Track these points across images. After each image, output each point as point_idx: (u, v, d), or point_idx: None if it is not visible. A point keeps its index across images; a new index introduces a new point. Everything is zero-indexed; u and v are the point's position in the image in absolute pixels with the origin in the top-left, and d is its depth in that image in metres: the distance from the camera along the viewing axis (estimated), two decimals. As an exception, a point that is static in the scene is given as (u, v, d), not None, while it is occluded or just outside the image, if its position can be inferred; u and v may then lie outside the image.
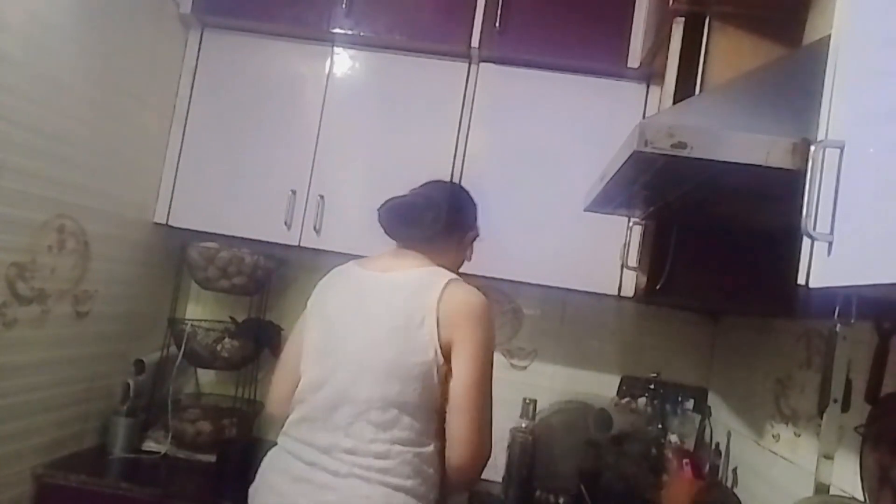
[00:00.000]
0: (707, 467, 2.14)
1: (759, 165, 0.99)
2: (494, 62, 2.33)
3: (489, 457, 1.39)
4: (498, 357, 2.53)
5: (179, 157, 2.39)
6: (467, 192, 1.71)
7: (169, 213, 2.38)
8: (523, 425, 2.26)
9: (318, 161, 2.34)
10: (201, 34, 2.42)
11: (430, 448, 1.38)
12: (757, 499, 1.80)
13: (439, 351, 1.37)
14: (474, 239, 1.70)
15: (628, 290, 2.17)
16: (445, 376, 1.38)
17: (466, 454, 1.37)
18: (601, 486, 2.23)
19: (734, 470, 1.99)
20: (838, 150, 0.78)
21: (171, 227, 2.39)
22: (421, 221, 1.54)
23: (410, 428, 1.36)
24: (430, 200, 1.57)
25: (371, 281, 1.49)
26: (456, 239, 1.63)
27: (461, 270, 1.62)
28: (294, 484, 1.35)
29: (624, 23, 2.25)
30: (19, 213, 1.77)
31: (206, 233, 2.37)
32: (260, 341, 2.43)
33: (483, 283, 2.49)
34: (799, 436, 1.61)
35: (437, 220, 1.55)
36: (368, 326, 1.41)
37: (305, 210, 2.32)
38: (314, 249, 2.31)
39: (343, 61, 2.38)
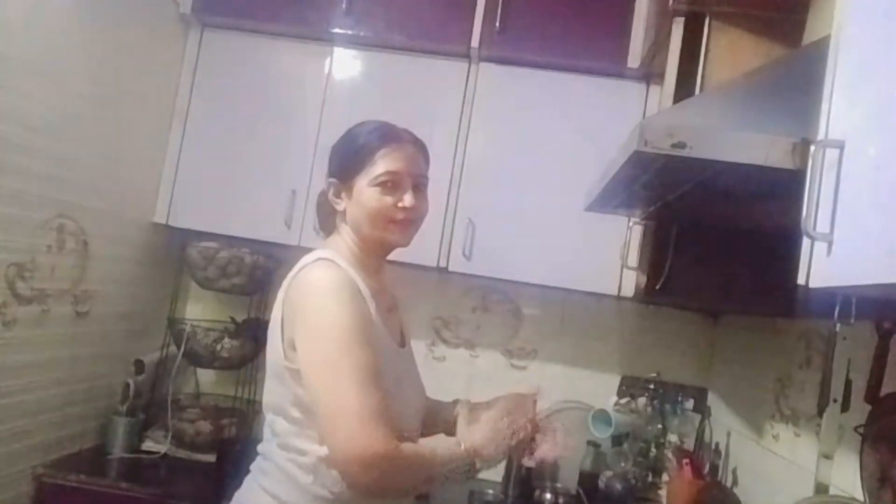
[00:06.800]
0: (707, 467, 2.14)
1: (759, 165, 0.99)
2: (494, 62, 2.33)
3: (369, 455, 1.11)
4: (498, 357, 2.54)
5: (179, 156, 2.39)
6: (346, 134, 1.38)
7: (169, 212, 2.38)
8: (523, 425, 2.25)
9: (318, 161, 2.33)
10: (201, 34, 2.42)
11: (311, 456, 1.20)
12: (757, 499, 1.80)
13: (283, 348, 1.22)
14: (340, 183, 1.33)
15: (628, 290, 2.16)
16: (300, 374, 1.21)
17: (331, 456, 1.16)
18: (601, 486, 2.23)
19: (734, 470, 1.99)
20: (838, 150, 0.78)
21: (171, 226, 2.39)
22: (317, 219, 1.47)
23: (285, 433, 1.24)
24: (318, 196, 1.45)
25: None
26: (327, 203, 1.37)
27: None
28: None
29: (624, 23, 2.25)
30: (19, 212, 1.76)
31: (206, 233, 2.37)
32: (260, 341, 2.42)
33: (483, 283, 2.53)
34: (799, 436, 1.61)
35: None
36: None
37: (305, 210, 2.32)
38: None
39: (343, 61, 2.38)
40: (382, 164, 1.28)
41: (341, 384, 1.14)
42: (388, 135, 1.33)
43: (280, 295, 1.29)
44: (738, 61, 1.60)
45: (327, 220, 1.42)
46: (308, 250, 1.34)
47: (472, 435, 1.26)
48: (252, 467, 1.33)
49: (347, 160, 1.32)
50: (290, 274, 1.28)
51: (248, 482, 1.32)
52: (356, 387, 1.14)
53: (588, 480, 2.23)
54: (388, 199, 1.28)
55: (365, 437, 1.12)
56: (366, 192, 1.29)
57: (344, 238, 1.34)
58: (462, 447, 1.23)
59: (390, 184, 1.28)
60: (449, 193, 2.31)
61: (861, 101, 0.77)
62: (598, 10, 2.27)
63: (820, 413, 1.38)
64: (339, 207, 1.34)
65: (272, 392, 1.27)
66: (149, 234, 2.37)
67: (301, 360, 1.19)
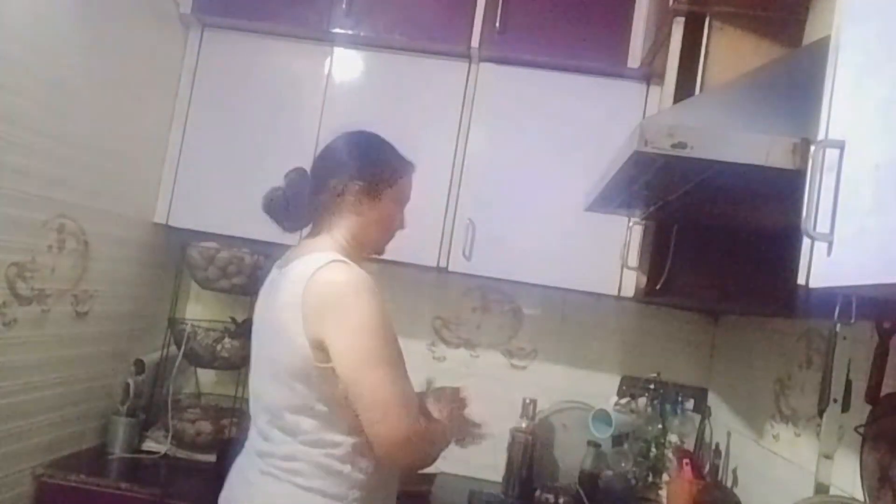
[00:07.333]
0: (707, 467, 2.14)
1: (760, 165, 0.99)
2: (494, 62, 2.33)
3: (412, 434, 1.26)
4: (498, 357, 2.54)
5: (179, 157, 2.39)
6: (354, 138, 1.49)
7: (169, 213, 2.38)
8: (523, 425, 2.26)
9: (318, 161, 2.34)
10: (201, 34, 2.42)
11: (344, 447, 1.31)
12: (757, 499, 1.80)
13: (310, 348, 1.27)
14: (368, 189, 1.43)
15: (628, 290, 2.17)
16: (333, 371, 1.27)
17: (379, 440, 1.26)
18: (601, 486, 2.23)
19: (734, 470, 1.99)
20: (838, 150, 0.78)
21: (171, 227, 2.39)
22: (287, 204, 1.48)
23: (314, 429, 1.30)
24: (293, 177, 1.51)
25: (275, 278, 1.43)
26: (333, 200, 1.43)
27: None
28: (235, 480, 1.44)
29: (624, 23, 2.25)
30: (19, 213, 1.76)
31: (206, 233, 2.37)
32: (260, 341, 2.42)
33: (483, 283, 2.53)
34: (799, 436, 1.61)
35: (300, 194, 1.46)
36: (265, 330, 1.40)
37: (305, 210, 2.32)
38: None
39: (343, 61, 2.38)
40: (408, 187, 1.50)
41: (388, 376, 1.26)
42: (408, 159, 1.51)
43: (288, 298, 1.31)
44: (738, 61, 1.60)
45: (321, 217, 1.45)
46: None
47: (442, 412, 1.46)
48: (273, 471, 1.32)
49: (383, 173, 1.45)
50: (302, 274, 1.31)
51: (279, 486, 1.31)
52: (399, 377, 1.28)
53: (588, 480, 2.23)
54: (400, 216, 1.49)
55: (409, 420, 1.26)
56: (389, 206, 1.46)
57: (336, 238, 1.42)
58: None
59: (404, 204, 1.50)
60: (449, 193, 2.31)
61: (861, 101, 0.77)
62: (598, 10, 2.27)
63: (820, 413, 1.38)
64: (356, 210, 1.43)
65: (293, 393, 1.31)
66: (149, 234, 2.37)
67: (340, 358, 1.26)
